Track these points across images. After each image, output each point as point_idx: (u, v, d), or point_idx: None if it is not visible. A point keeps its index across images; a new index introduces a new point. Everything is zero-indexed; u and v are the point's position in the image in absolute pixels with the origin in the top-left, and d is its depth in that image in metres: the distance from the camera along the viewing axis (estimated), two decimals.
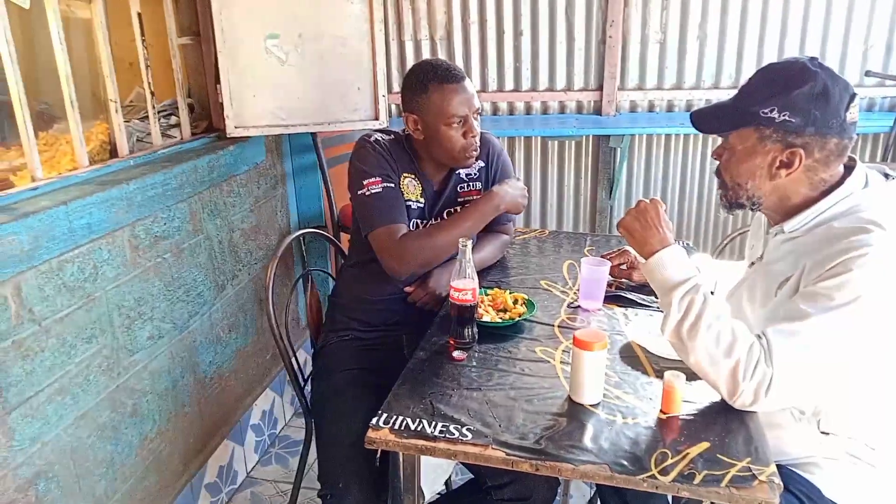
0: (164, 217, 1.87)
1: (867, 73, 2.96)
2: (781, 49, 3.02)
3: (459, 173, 1.79)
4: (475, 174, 1.82)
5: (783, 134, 1.19)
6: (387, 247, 1.62)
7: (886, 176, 1.27)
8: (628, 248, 1.74)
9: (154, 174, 1.81)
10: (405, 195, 1.69)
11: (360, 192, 1.64)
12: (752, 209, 1.30)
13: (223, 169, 2.16)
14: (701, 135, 3.11)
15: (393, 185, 1.65)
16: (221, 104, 2.19)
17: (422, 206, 1.73)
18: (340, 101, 2.32)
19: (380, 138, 1.71)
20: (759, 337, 1.17)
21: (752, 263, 1.40)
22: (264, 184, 2.49)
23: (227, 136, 2.21)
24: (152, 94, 2.00)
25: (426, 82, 1.63)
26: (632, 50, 3.11)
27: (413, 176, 1.72)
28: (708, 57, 3.08)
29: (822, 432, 1.26)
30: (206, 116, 2.35)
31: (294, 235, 1.90)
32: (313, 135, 2.53)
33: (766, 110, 1.19)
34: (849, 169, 1.24)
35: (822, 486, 1.26)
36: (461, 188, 1.80)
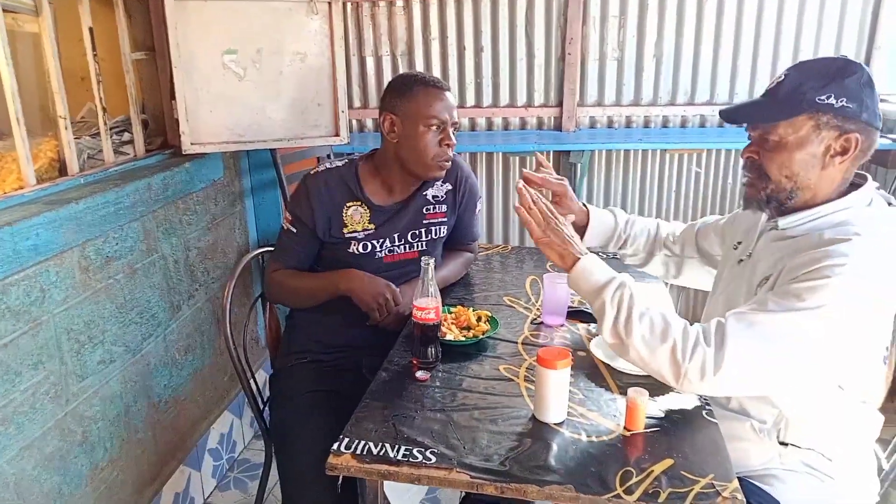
0: (116, 237, 1.81)
1: None
2: (734, 68, 3.10)
3: (426, 195, 1.76)
4: (442, 196, 1.78)
5: (841, 120, 1.18)
6: (266, 276, 1.76)
7: (890, 204, 1.27)
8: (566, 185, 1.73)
9: (105, 192, 1.76)
10: (348, 226, 1.67)
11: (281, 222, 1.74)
12: (783, 206, 1.26)
13: (178, 186, 2.11)
14: (659, 151, 3.16)
15: (296, 230, 1.69)
16: (177, 120, 2.14)
17: (370, 231, 1.69)
18: (300, 117, 2.28)
19: (323, 169, 1.69)
20: (713, 322, 1.17)
21: (741, 261, 1.39)
22: (222, 201, 2.44)
23: (183, 152, 2.16)
24: (104, 109, 1.95)
25: (412, 84, 1.63)
26: (590, 67, 3.16)
27: (358, 203, 1.69)
28: (664, 75, 3.15)
29: (781, 443, 1.27)
30: (161, 133, 2.30)
31: (253, 254, 1.86)
32: (272, 151, 2.50)
33: (822, 97, 1.18)
34: (855, 186, 1.24)
35: (781, 498, 1.27)
36: (427, 210, 1.77)
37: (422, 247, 1.77)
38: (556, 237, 1.33)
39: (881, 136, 2.85)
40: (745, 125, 1.29)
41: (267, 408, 1.76)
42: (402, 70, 3.21)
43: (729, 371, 1.12)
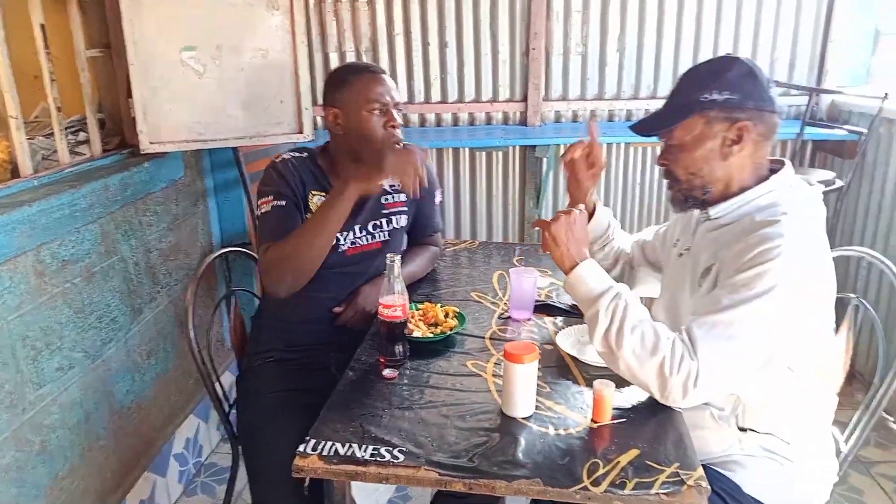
0: (72, 240, 1.76)
1: (774, 83, 3.11)
2: (695, 60, 3.14)
3: (381, 184, 1.71)
4: (398, 185, 1.75)
5: (728, 111, 1.24)
6: (262, 265, 1.57)
7: (810, 184, 1.34)
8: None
9: (60, 194, 1.70)
10: (313, 212, 1.64)
11: (255, 214, 1.62)
12: (703, 201, 1.32)
13: (138, 187, 2.06)
14: (623, 144, 3.19)
15: (284, 202, 1.60)
16: (134, 119, 2.09)
17: None
18: (262, 115, 2.25)
19: (288, 157, 1.68)
20: (683, 332, 1.19)
21: (681, 255, 1.43)
22: (183, 201, 2.39)
23: (142, 152, 2.11)
24: (58, 109, 1.89)
25: (347, 74, 1.64)
26: (555, 62, 3.18)
27: (323, 193, 1.67)
28: (627, 69, 3.18)
29: (740, 429, 1.29)
30: (119, 132, 2.24)
31: (216, 254, 1.83)
32: (235, 149, 2.45)
33: (706, 95, 1.25)
34: (773, 171, 1.30)
35: (741, 483, 1.29)
36: (385, 199, 1.77)
37: (384, 237, 1.75)
38: (566, 235, 1.31)
39: (835, 127, 2.93)
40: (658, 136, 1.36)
41: (234, 410, 1.73)
42: None
43: (705, 381, 1.15)
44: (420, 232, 1.89)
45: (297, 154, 1.70)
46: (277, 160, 1.68)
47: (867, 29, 3.12)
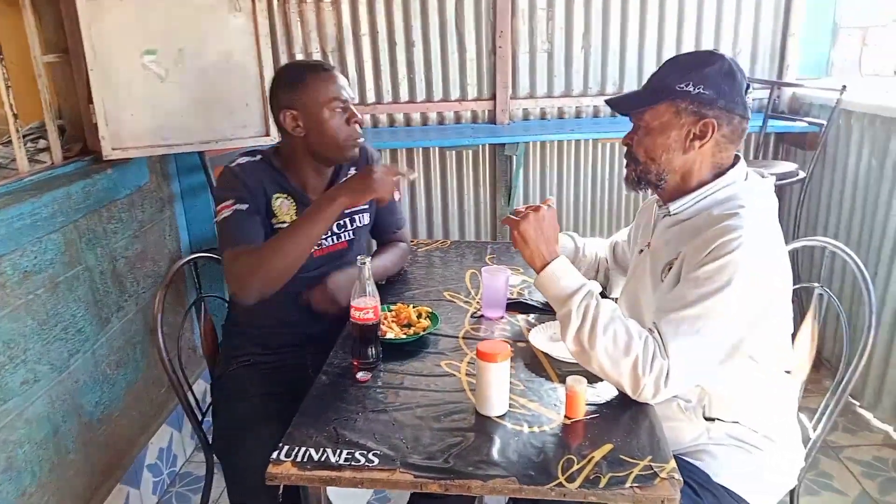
0: (34, 250, 1.72)
1: (752, 89, 3.17)
2: (659, 57, 3.18)
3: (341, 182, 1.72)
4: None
5: (698, 105, 1.26)
6: (227, 271, 1.52)
7: (763, 176, 1.37)
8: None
9: (20, 204, 1.66)
10: (277, 216, 1.63)
11: (215, 220, 1.59)
12: (656, 187, 1.35)
13: (101, 194, 2.02)
14: (591, 140, 3.22)
15: (245, 206, 1.55)
16: (96, 125, 2.05)
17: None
18: (228, 118, 2.22)
19: (244, 161, 1.63)
20: (651, 330, 1.21)
21: (641, 251, 1.45)
22: (149, 207, 2.35)
23: (104, 158, 2.07)
24: (16, 116, 1.84)
25: (302, 74, 1.60)
26: (521, 60, 3.19)
27: (285, 195, 1.65)
28: (593, 65, 3.20)
29: (708, 419, 1.31)
30: (81, 139, 2.19)
31: (184, 261, 1.80)
32: (201, 154, 2.42)
33: (681, 84, 1.26)
34: (730, 166, 1.33)
35: (710, 472, 1.31)
36: None
37: (349, 236, 1.75)
38: (535, 233, 1.30)
39: (797, 120, 2.98)
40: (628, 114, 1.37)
41: (208, 417, 1.71)
42: None
43: (676, 378, 1.17)
44: (385, 230, 1.89)
45: (251, 158, 1.65)
46: (233, 164, 1.63)
47: (826, 22, 3.18)
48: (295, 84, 1.59)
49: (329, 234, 1.71)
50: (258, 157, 1.66)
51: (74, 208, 1.88)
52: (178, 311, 2.47)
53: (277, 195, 1.64)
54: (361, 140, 1.65)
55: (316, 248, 1.67)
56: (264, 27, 2.20)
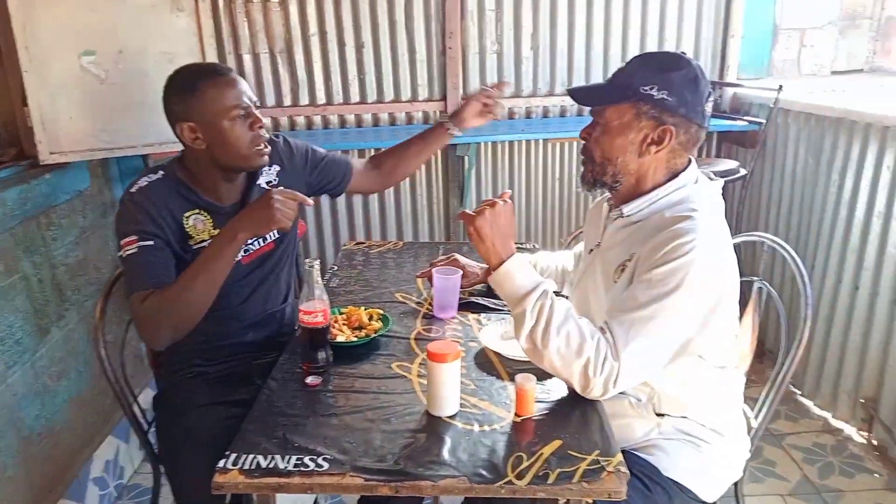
0: None
1: (713, 98, 3.25)
2: (606, 57, 3.24)
3: (259, 184, 1.65)
4: (275, 180, 1.68)
5: (659, 111, 1.26)
6: (134, 316, 1.43)
7: (711, 178, 1.40)
8: (456, 256, 1.79)
9: None
10: (194, 237, 1.52)
11: (119, 255, 1.46)
12: (611, 188, 1.36)
13: (38, 200, 1.95)
14: (541, 140, 3.26)
15: (151, 242, 1.43)
16: (31, 128, 1.98)
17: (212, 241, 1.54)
18: None
19: (144, 184, 1.50)
20: (602, 329, 1.23)
21: (591, 251, 1.47)
22: (91, 213, 2.28)
23: (42, 163, 2.00)
24: None
25: (194, 82, 1.46)
26: (471, 60, 3.20)
27: (197, 211, 1.54)
28: (542, 66, 3.24)
29: (658, 414, 1.35)
30: (16, 143, 2.11)
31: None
32: (144, 157, 2.36)
33: (646, 87, 1.25)
34: (682, 168, 1.34)
35: (660, 466, 1.34)
36: None
37: (275, 234, 1.66)
38: (490, 229, 1.27)
39: (738, 119, 3.08)
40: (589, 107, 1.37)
41: (154, 428, 1.66)
42: (281, 69, 3.13)
43: (624, 378, 1.19)
44: (343, 173, 1.85)
45: (152, 178, 1.52)
46: (133, 191, 1.48)
47: (766, 24, 3.30)
48: (187, 93, 1.46)
49: (254, 238, 1.60)
50: (160, 173, 1.53)
51: (10, 215, 1.81)
52: (124, 319, 2.40)
53: (189, 213, 1.52)
54: (267, 148, 1.55)
55: (243, 254, 1.59)
56: (208, 27, 2.17)
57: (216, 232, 1.53)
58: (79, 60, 2.01)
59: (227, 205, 1.59)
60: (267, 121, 2.10)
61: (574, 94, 1.37)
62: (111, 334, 1.66)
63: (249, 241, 1.58)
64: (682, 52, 1.32)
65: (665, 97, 1.25)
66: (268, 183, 1.67)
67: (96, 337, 1.58)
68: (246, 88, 1.51)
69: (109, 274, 2.33)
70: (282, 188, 1.47)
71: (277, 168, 1.70)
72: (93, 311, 2.20)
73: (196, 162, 1.54)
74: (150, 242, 1.44)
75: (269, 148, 1.57)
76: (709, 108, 1.30)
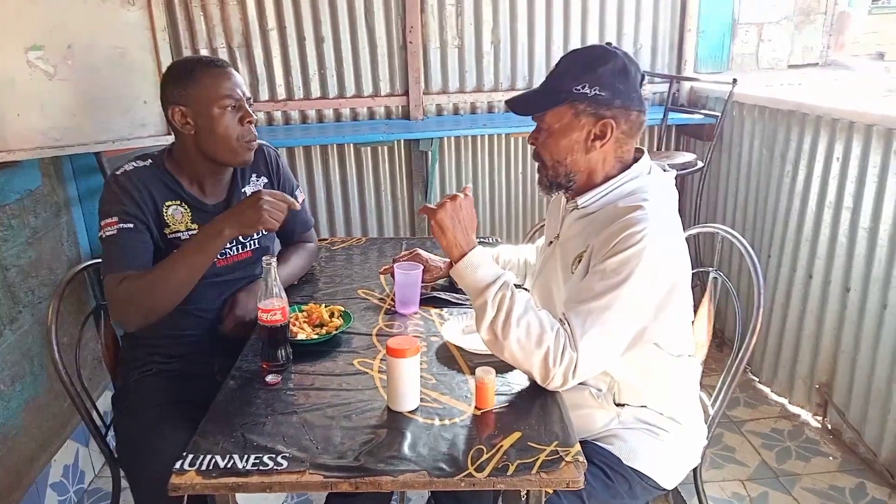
0: None
1: (645, 80, 3.29)
2: (566, 50, 3.25)
3: (244, 191, 1.68)
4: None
5: (595, 107, 1.28)
6: (108, 297, 1.46)
7: (665, 169, 1.43)
8: (419, 251, 1.79)
9: None
10: (170, 226, 1.55)
11: (98, 235, 1.49)
12: (567, 188, 1.37)
13: None
14: (504, 135, 3.27)
15: (131, 223, 1.47)
16: None
17: (195, 233, 1.55)
18: (124, 117, 2.12)
19: (130, 168, 1.53)
20: (561, 321, 1.24)
21: (551, 243, 1.49)
22: (43, 212, 2.21)
23: None
24: None
25: (192, 70, 1.51)
26: (432, 55, 3.20)
27: (178, 202, 1.57)
28: (503, 60, 3.25)
29: (618, 404, 1.37)
30: None
31: (78, 268, 1.71)
32: (97, 155, 2.30)
33: (578, 87, 1.27)
34: (635, 159, 1.37)
35: (621, 455, 1.36)
36: None
37: (254, 245, 1.69)
38: (451, 222, 1.28)
39: (695, 112, 3.13)
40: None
41: (112, 430, 1.63)
42: (240, 63, 3.08)
43: (583, 367, 1.21)
44: (292, 231, 1.85)
45: (140, 164, 1.55)
46: (119, 173, 1.52)
47: (725, 19, 3.36)
48: (185, 79, 1.51)
49: (234, 243, 1.64)
50: (148, 161, 1.56)
51: None
52: (80, 321, 2.35)
53: (169, 203, 1.55)
54: (255, 144, 1.58)
55: (220, 257, 1.61)
56: (161, 21, 2.12)
57: (194, 227, 1.57)
58: (25, 55, 1.94)
59: (209, 203, 1.61)
60: None
61: (512, 105, 1.38)
62: (66, 336, 1.62)
63: (228, 245, 1.61)
64: (608, 43, 1.34)
65: (598, 93, 1.27)
66: (253, 193, 1.66)
67: (50, 339, 1.54)
68: (241, 83, 1.55)
69: (63, 275, 2.29)
70: (271, 190, 1.52)
71: (265, 180, 1.73)
72: (47, 313, 2.16)
73: (184, 152, 1.57)
74: (130, 225, 1.47)
75: (256, 146, 1.60)
76: (644, 91, 1.33)
